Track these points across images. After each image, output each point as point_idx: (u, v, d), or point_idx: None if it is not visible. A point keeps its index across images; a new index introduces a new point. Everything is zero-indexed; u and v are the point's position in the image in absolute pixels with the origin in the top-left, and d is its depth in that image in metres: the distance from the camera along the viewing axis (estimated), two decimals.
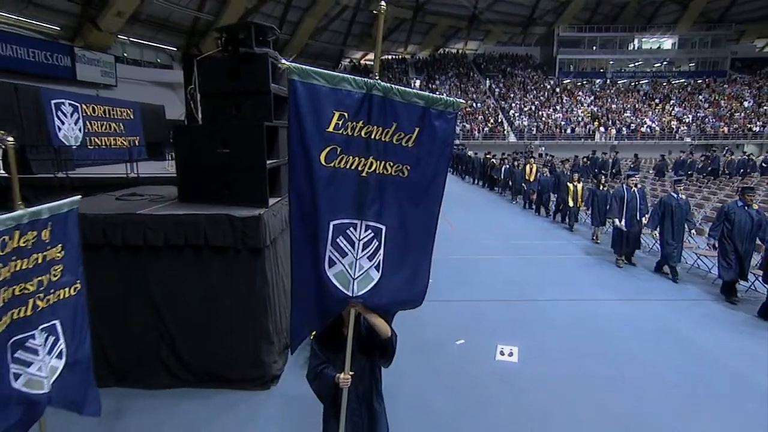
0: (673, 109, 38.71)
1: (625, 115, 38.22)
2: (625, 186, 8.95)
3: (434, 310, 6.48)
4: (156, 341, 4.53)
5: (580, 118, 37.88)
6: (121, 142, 14.28)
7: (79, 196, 2.96)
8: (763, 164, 19.76)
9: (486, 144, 32.67)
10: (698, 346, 5.63)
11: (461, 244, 10.64)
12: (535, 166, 15.44)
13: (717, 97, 39.56)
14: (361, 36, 42.85)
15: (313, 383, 2.60)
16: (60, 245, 2.76)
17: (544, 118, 37.69)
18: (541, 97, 40.85)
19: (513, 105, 39.65)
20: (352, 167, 2.31)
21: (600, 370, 5.02)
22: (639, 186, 9.01)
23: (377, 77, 2.25)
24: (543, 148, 32.24)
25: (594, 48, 44.13)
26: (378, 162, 2.35)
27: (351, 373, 2.51)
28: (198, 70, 4.89)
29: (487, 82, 43.55)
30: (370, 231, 2.41)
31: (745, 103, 38.06)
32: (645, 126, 36.73)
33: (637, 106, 39.52)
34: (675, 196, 8.10)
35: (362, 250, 2.42)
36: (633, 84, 43.29)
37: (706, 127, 36.08)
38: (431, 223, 2.55)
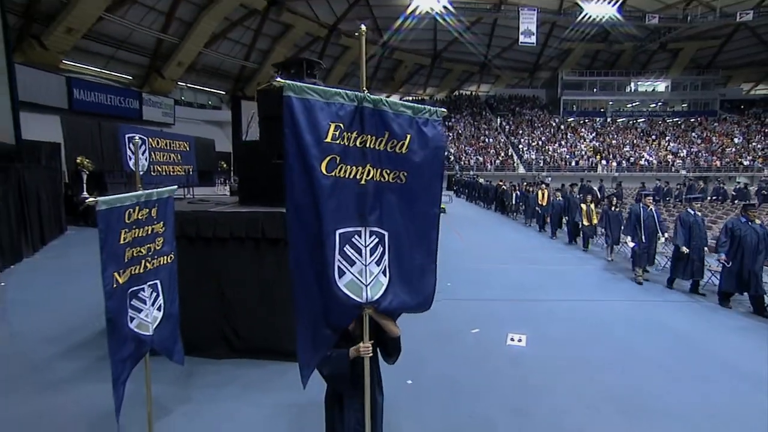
0: (668, 145, 38.53)
1: (625, 149, 38.16)
2: (641, 205, 8.63)
3: (451, 307, 6.79)
4: (219, 319, 4.96)
5: (583, 152, 37.97)
6: (178, 170, 15.12)
7: (176, 186, 3.47)
8: (764, 192, 20.14)
9: (497, 175, 32.93)
10: (686, 335, 5.80)
11: (475, 256, 10.84)
12: (547, 191, 15.14)
13: (709, 134, 39.33)
14: (384, 80, 44.09)
15: (325, 367, 2.38)
16: (162, 222, 3.24)
17: (550, 152, 37.89)
18: (548, 133, 41.12)
19: (522, 140, 39.98)
20: (351, 176, 2.20)
21: (596, 354, 5.24)
22: (652, 206, 8.60)
23: (366, 91, 2.20)
24: (549, 179, 32.35)
25: (594, 90, 44.43)
26: (375, 170, 2.24)
27: (371, 341, 2.36)
28: (258, 99, 5.45)
29: (498, 120, 44.08)
30: (374, 237, 2.29)
31: (735, 140, 37.77)
32: (643, 159, 36.61)
33: (635, 141, 39.44)
34: (692, 212, 7.80)
35: (369, 256, 2.28)
36: (631, 122, 43.24)
37: (699, 161, 35.83)
38: (432, 225, 2.40)
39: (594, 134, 40.93)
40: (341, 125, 2.15)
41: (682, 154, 36.79)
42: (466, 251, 11.46)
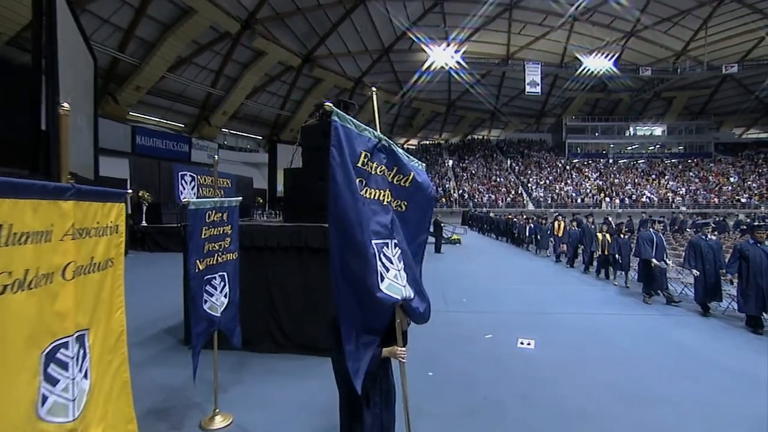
0: (668, 183, 38.24)
1: (627, 187, 37.96)
2: (652, 230, 8.52)
3: (466, 318, 7.03)
4: (267, 318, 5.31)
5: (588, 190, 37.91)
6: None
7: (241, 198, 3.94)
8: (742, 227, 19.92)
9: (508, 211, 33.07)
10: (686, 344, 5.85)
11: (489, 278, 10.93)
12: (563, 222, 14.50)
13: (705, 174, 38.94)
14: (403, 126, 45.35)
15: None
16: (230, 225, 3.68)
17: (557, 190, 37.96)
18: (554, 173, 41.28)
19: (530, 179, 40.19)
20: (375, 197, 2.35)
21: (598, 355, 5.36)
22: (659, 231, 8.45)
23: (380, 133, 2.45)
24: (556, 214, 32.28)
25: (596, 134, 44.77)
26: (388, 195, 2.41)
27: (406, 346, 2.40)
28: (302, 133, 5.99)
29: (508, 161, 44.55)
30: (397, 248, 2.39)
31: (731, 179, 37.29)
32: (644, 197, 36.32)
33: (636, 180, 39.24)
34: (704, 238, 7.55)
35: (399, 263, 2.38)
36: (632, 163, 43.21)
37: (698, 198, 35.38)
38: (421, 249, 2.64)
39: (597, 174, 40.92)
40: (368, 154, 2.33)
41: (681, 192, 36.42)
42: (480, 274, 11.58)
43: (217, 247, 3.46)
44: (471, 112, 45.57)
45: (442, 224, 18.02)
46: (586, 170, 41.55)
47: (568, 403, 3.97)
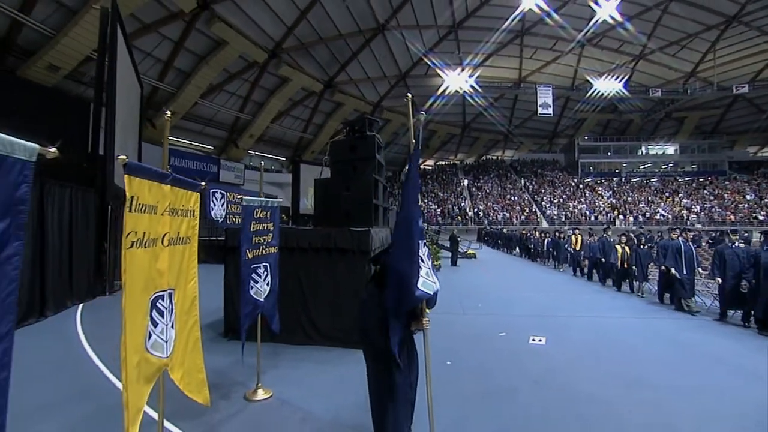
0: (681, 201, 37.64)
1: (640, 205, 37.52)
2: (681, 239, 8.39)
3: (480, 319, 7.28)
4: (298, 312, 5.69)
5: (601, 208, 37.58)
6: None
7: (281, 200, 4.38)
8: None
9: (522, 228, 33.06)
10: (688, 342, 5.99)
11: (503, 288, 11.12)
12: (580, 236, 14.54)
13: (720, 192, 38.19)
14: (421, 147, 45.92)
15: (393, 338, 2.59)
16: (272, 223, 4.11)
17: (570, 208, 37.75)
18: (568, 192, 41.11)
19: (544, 198, 40.10)
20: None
21: (605, 350, 5.56)
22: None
23: (414, 142, 2.72)
24: (574, 229, 32.07)
25: (609, 153, 44.56)
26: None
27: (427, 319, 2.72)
28: (330, 147, 6.48)
29: (522, 181, 44.57)
30: (425, 247, 2.65)
31: (747, 196, 36.48)
32: (658, 214, 35.79)
33: (650, 198, 38.77)
34: (731, 245, 7.38)
35: (428, 260, 2.66)
36: (645, 181, 42.73)
37: (713, 215, 34.68)
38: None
39: (611, 192, 40.56)
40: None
41: (695, 210, 35.77)
42: (495, 284, 11.77)
43: (261, 241, 3.89)
44: (485, 133, 46.01)
45: (459, 239, 18.26)
46: (600, 189, 41.25)
47: (576, 387, 4.21)
